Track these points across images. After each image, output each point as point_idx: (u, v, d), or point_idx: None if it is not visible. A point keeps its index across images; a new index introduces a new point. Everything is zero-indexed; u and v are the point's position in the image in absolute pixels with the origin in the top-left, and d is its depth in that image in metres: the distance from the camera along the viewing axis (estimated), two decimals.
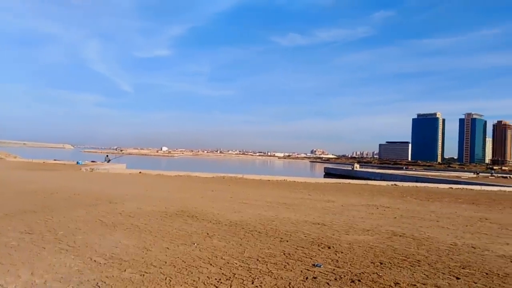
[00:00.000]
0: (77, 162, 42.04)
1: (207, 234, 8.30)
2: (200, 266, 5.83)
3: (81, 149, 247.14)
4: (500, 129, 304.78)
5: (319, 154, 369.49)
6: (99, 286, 4.84)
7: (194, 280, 5.17)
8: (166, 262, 5.96)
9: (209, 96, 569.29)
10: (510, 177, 61.14)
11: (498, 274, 6.12)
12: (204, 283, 5.07)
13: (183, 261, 6.09)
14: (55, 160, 46.46)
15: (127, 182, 21.64)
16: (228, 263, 6.09)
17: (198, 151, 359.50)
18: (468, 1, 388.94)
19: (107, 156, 51.84)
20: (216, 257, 6.42)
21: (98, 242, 7.09)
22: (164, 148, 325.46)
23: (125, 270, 5.48)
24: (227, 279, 5.27)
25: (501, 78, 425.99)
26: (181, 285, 4.96)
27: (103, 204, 12.17)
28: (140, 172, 30.52)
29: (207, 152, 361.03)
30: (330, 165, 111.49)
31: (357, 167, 75.69)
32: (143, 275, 5.31)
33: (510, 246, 8.39)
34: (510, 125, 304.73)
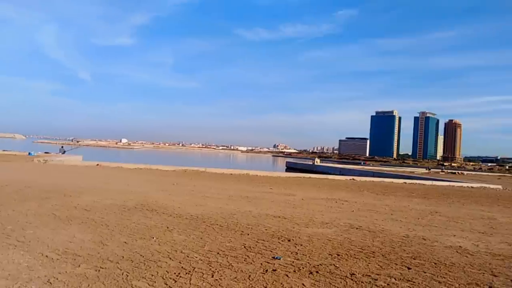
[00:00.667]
0: (29, 153, 39.86)
1: (167, 227, 8.17)
2: (159, 260, 5.73)
3: (34, 139, 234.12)
4: (451, 127, 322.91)
5: (282, 149, 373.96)
6: (50, 283, 4.63)
7: (152, 275, 5.07)
8: (123, 257, 5.80)
9: (172, 88, 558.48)
10: (458, 172, 65.08)
11: (445, 264, 6.50)
12: (162, 278, 4.99)
13: (141, 255, 5.95)
14: (3, 150, 43.76)
15: (83, 175, 20.81)
16: (188, 256, 6.03)
17: (160, 144, 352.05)
18: (426, 5, 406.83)
19: (62, 147, 49.54)
20: (176, 251, 6.34)
21: (50, 237, 6.77)
22: (124, 140, 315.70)
23: (79, 266, 5.28)
24: (186, 273, 5.22)
25: (453, 79, 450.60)
26: (138, 280, 4.85)
27: (57, 197, 11.63)
28: (97, 165, 29.44)
29: (169, 145, 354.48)
30: (291, 160, 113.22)
31: (317, 161, 77.39)
32: (99, 270, 5.14)
33: (457, 238, 8.94)
34: (459, 124, 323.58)
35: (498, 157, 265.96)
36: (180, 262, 5.70)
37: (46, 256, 5.63)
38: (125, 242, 6.71)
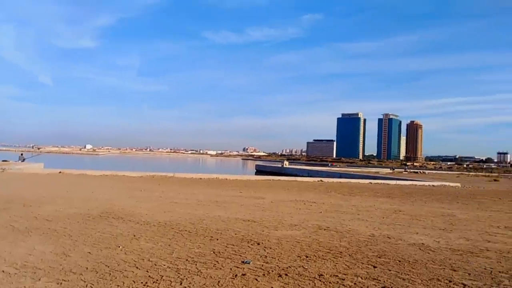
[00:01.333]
0: None
1: (134, 235, 7.97)
2: (125, 270, 5.57)
3: None
4: (412, 128, 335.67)
5: (251, 152, 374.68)
6: None
7: (118, 285, 4.92)
8: (87, 268, 5.60)
9: (138, 91, 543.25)
10: (420, 172, 67.80)
11: (409, 261, 6.74)
12: None
13: (106, 265, 5.77)
14: None
15: (44, 183, 19.92)
16: (155, 265, 5.90)
17: (126, 149, 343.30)
18: (388, 10, 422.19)
19: (21, 154, 47.15)
20: (143, 259, 6.19)
21: (8, 250, 6.43)
22: (88, 146, 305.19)
23: (39, 279, 5.04)
24: (154, 282, 5.11)
25: (414, 82, 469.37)
26: None
27: (16, 207, 11.06)
28: (60, 172, 28.28)
29: (136, 150, 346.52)
30: (261, 163, 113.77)
31: (286, 164, 78.20)
32: (61, 283, 4.93)
33: (419, 235, 9.30)
34: (421, 125, 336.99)
35: (457, 156, 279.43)
36: (147, 271, 5.57)
37: (3, 271, 5.34)
38: (89, 253, 6.48)
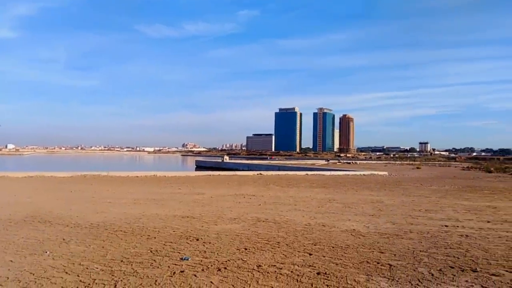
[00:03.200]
0: None
1: (63, 239, 7.47)
2: (53, 276, 5.21)
3: None
4: (345, 121, 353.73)
5: (191, 148, 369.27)
6: None
7: None
8: (8, 278, 5.14)
9: (67, 86, 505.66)
10: (352, 162, 71.85)
11: (341, 247, 7.13)
12: None
13: (31, 273, 5.34)
14: None
15: None
16: (87, 268, 5.59)
17: (54, 148, 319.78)
18: (320, 9, 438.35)
19: None
20: (74, 263, 5.83)
21: None
22: (10, 146, 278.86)
23: None
24: (85, 286, 4.84)
25: (346, 78, 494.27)
26: None
27: None
28: None
29: (66, 149, 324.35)
30: (201, 158, 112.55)
31: (226, 158, 78.33)
32: None
33: (351, 222, 9.86)
34: (352, 118, 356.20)
35: (384, 147, 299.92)
36: (78, 276, 5.26)
37: None
38: (11, 261, 5.95)
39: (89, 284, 4.94)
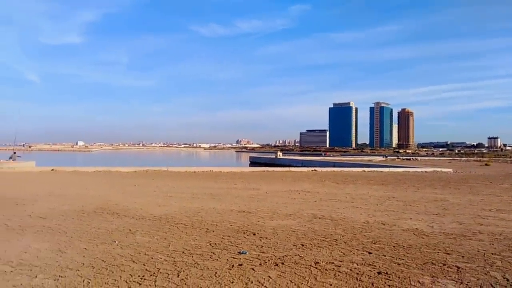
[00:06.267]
0: None
1: (130, 230, 7.96)
2: (122, 264, 5.57)
3: None
4: (404, 116, 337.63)
5: (245, 144, 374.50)
6: None
7: (115, 280, 4.93)
8: (83, 264, 5.59)
9: (128, 87, 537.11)
10: (413, 159, 68.41)
11: (403, 246, 6.83)
12: (126, 282, 4.86)
13: (102, 260, 5.76)
14: None
15: (37, 181, 19.76)
16: (152, 258, 5.91)
17: (119, 145, 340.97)
18: (373, 0, 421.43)
19: (14, 153, 46.55)
20: (139, 253, 6.19)
21: (2, 249, 6.38)
22: (80, 143, 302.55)
23: (36, 276, 5.02)
24: (151, 275, 5.12)
25: (403, 70, 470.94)
26: (101, 286, 4.70)
27: (9, 206, 10.97)
28: (52, 170, 28.06)
29: (129, 146, 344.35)
30: (255, 154, 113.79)
31: (280, 155, 78.25)
32: (58, 279, 4.92)
33: (413, 221, 9.41)
34: (412, 112, 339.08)
35: (448, 142, 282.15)
36: (144, 265, 5.58)
37: None
38: (85, 248, 6.46)
39: (154, 273, 5.21)
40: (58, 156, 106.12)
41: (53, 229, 7.97)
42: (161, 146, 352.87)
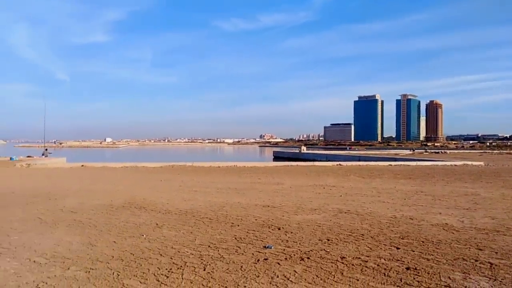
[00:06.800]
0: (11, 158, 38.91)
1: (157, 224, 8.12)
2: (150, 258, 5.69)
3: (14, 144, 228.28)
4: (432, 108, 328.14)
5: (268, 139, 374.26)
6: None
7: (143, 272, 5.04)
8: (113, 257, 5.75)
9: (152, 83, 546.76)
10: (441, 152, 66.44)
11: (433, 241, 6.65)
12: (154, 274, 4.96)
13: (131, 253, 5.91)
14: None
15: (68, 177, 20.46)
16: (179, 252, 6.01)
17: (145, 141, 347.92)
18: None
19: (46, 150, 48.42)
20: (166, 247, 6.31)
21: (37, 242, 6.65)
22: (108, 139, 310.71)
23: (68, 268, 5.21)
24: (178, 268, 5.20)
25: (430, 61, 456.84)
26: (130, 279, 4.82)
27: (42, 200, 11.42)
28: (82, 165, 28.98)
29: (154, 142, 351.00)
30: (278, 149, 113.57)
31: (304, 149, 77.79)
32: (89, 271, 5.08)
33: (442, 215, 9.14)
34: (440, 104, 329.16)
35: (479, 135, 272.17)
36: (171, 258, 5.68)
37: (34, 261, 5.53)
38: (115, 242, 6.64)
39: (181, 266, 5.30)
40: (87, 152, 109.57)
41: (84, 223, 8.23)
42: (185, 142, 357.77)
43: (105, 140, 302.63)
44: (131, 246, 6.34)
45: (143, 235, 7.11)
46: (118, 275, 4.95)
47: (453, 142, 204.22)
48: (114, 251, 6.04)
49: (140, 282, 4.70)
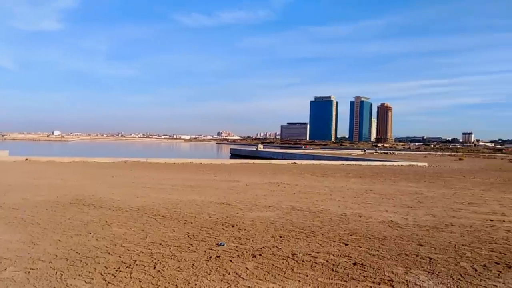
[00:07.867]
0: None
1: (106, 222, 7.82)
2: (97, 256, 5.47)
3: None
4: (383, 110, 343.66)
5: (226, 136, 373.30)
6: None
7: (89, 272, 4.83)
8: (57, 256, 5.46)
9: (108, 76, 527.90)
10: (390, 153, 69.81)
11: (379, 238, 6.97)
12: (101, 274, 4.78)
13: (77, 252, 5.64)
14: None
15: (10, 171, 19.14)
16: (128, 250, 5.83)
17: (97, 135, 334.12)
18: None
19: None
20: (115, 245, 6.10)
21: None
22: (57, 133, 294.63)
23: (5, 269, 4.87)
24: (127, 267, 5.05)
25: (384, 65, 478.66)
26: (74, 278, 4.60)
27: None
28: (26, 159, 27.23)
29: (107, 136, 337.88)
30: (236, 146, 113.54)
31: (261, 147, 78.48)
32: (29, 272, 4.79)
33: (389, 213, 9.62)
34: (390, 107, 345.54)
35: (424, 137, 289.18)
36: (120, 256, 5.49)
37: None
38: (59, 240, 6.31)
39: (130, 265, 5.14)
40: (33, 145, 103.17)
41: (26, 220, 7.75)
42: (140, 137, 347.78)
43: (53, 133, 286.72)
44: (77, 245, 6.06)
45: (90, 233, 6.81)
46: (62, 275, 4.71)
47: (401, 143, 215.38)
48: (58, 250, 5.74)
49: (86, 282, 4.51)
